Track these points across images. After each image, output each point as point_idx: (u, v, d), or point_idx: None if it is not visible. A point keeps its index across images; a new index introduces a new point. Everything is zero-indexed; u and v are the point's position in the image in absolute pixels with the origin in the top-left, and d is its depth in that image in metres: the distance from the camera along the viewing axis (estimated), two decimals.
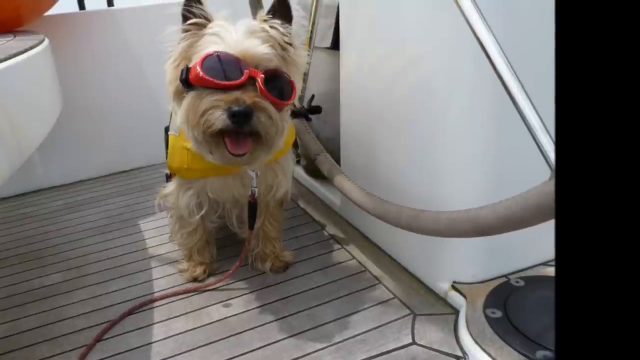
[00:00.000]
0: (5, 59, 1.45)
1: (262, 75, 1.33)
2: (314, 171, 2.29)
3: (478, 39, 1.06)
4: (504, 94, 1.01)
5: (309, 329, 1.52)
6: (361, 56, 1.80)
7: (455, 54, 1.39)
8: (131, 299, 1.72)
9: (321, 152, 1.91)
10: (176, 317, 1.62)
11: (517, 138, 1.10)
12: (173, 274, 1.85)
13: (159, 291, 1.75)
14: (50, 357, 1.51)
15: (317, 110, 2.04)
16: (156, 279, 1.83)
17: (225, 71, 1.31)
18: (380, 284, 1.71)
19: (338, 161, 1.93)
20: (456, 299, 1.54)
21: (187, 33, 1.42)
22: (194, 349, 1.49)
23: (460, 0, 1.10)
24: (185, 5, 1.41)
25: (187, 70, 1.34)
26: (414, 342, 1.44)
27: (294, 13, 1.47)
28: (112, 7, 3.23)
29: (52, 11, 2.52)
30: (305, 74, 1.96)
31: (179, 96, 1.41)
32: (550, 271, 1.59)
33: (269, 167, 1.65)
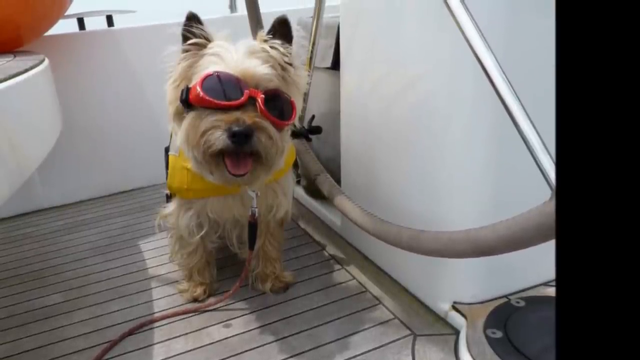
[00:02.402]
0: (6, 79, 1.46)
1: (262, 96, 1.33)
2: (314, 191, 2.28)
3: (478, 58, 1.06)
4: (504, 114, 1.02)
5: (310, 349, 1.52)
6: (361, 76, 1.80)
7: (456, 74, 1.39)
8: (131, 319, 1.72)
9: (321, 172, 1.92)
10: (176, 337, 1.61)
11: (518, 158, 1.10)
12: (173, 294, 1.84)
13: (159, 311, 1.74)
14: None
15: (317, 130, 2.05)
16: (156, 299, 1.83)
17: (225, 91, 1.31)
18: (380, 304, 1.70)
19: (338, 181, 1.93)
20: (456, 319, 1.54)
21: (187, 53, 1.43)
22: None
23: (461, 20, 1.10)
24: (185, 25, 1.41)
25: (187, 90, 1.34)
26: None
27: (294, 33, 1.48)
28: (112, 27, 3.24)
29: (52, 31, 2.53)
30: (306, 94, 1.96)
31: (179, 116, 1.41)
32: (551, 291, 1.59)
33: (269, 187, 1.65)
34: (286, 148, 1.45)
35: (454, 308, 1.56)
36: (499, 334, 1.41)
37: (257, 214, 1.60)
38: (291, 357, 1.50)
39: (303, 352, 1.51)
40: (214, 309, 1.73)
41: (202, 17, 1.42)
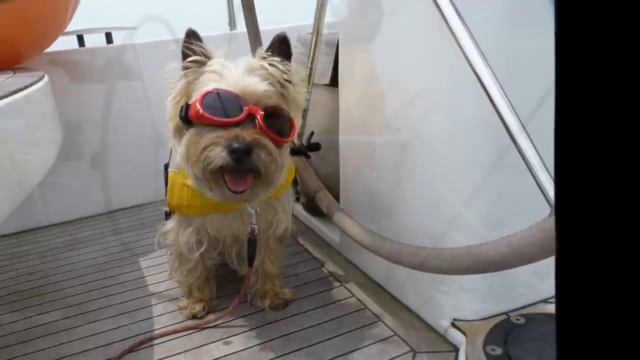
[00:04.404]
0: (5, 96, 1.46)
1: (262, 112, 1.33)
2: (313, 208, 2.28)
3: (478, 76, 1.07)
4: (503, 130, 1.02)
5: None
6: (360, 93, 1.81)
7: (455, 91, 1.39)
8: (131, 337, 1.71)
9: (320, 189, 1.92)
10: (176, 354, 1.60)
11: (517, 175, 1.10)
12: (173, 311, 1.84)
13: (159, 328, 1.74)
14: None
15: (316, 147, 2.05)
16: (156, 316, 1.82)
17: (224, 108, 1.31)
18: (380, 321, 1.70)
19: (337, 198, 1.93)
20: (456, 336, 1.53)
21: (187, 70, 1.43)
22: None
23: (461, 38, 1.10)
24: (185, 42, 1.42)
25: (187, 107, 1.35)
26: None
27: (294, 50, 1.48)
28: (111, 44, 3.25)
29: (51, 48, 2.54)
30: (305, 111, 1.96)
31: (179, 133, 1.42)
32: (551, 308, 1.59)
33: (269, 204, 1.65)
34: (285, 165, 1.45)
35: (454, 325, 1.55)
36: (498, 351, 1.40)
37: (256, 231, 1.60)
38: None
39: None
40: (214, 326, 1.73)
41: (202, 34, 1.43)
